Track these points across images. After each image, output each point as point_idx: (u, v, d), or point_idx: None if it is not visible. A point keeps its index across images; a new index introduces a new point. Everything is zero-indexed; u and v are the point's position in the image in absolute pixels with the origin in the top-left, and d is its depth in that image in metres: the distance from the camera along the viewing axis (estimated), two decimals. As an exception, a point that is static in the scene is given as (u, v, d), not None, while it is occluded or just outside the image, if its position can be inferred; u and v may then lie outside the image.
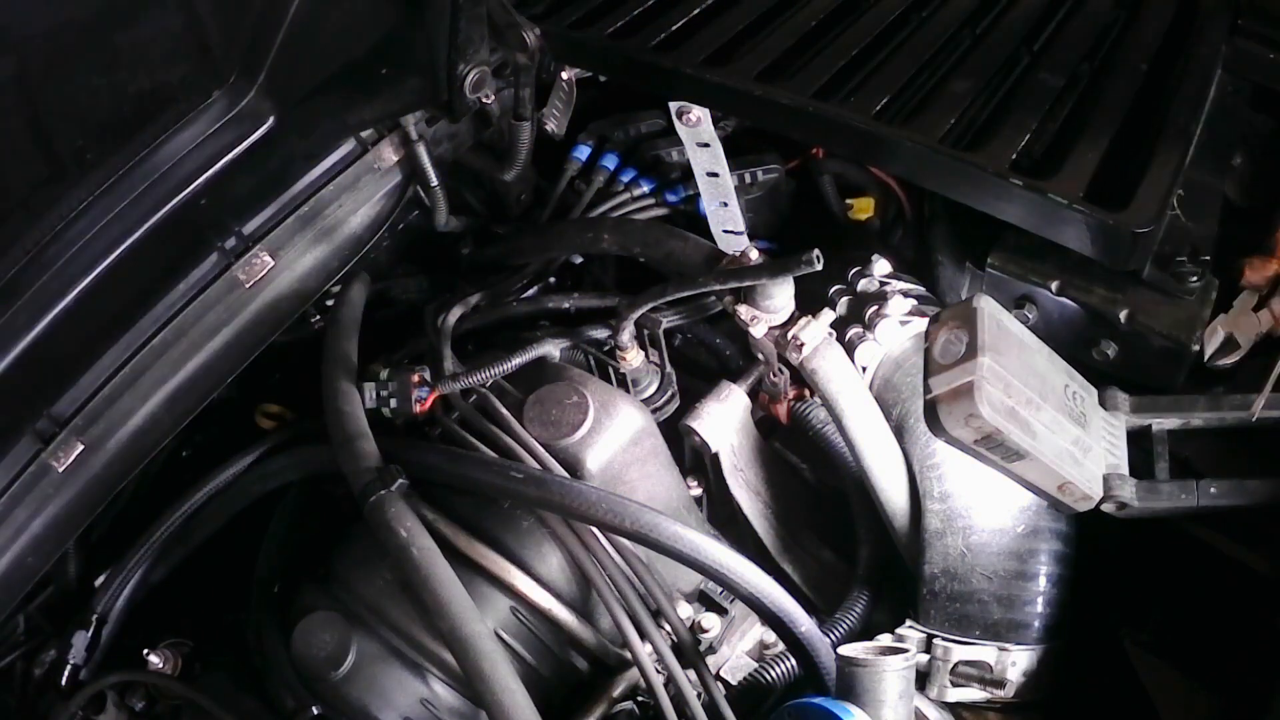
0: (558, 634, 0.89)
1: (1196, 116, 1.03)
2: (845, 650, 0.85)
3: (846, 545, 1.03)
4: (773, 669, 0.95)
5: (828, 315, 0.91)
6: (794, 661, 0.95)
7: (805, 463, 1.07)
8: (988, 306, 0.83)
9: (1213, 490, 0.88)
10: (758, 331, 0.91)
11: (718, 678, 0.91)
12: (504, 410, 0.94)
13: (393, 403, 0.94)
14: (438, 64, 0.98)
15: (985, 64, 1.06)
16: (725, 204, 1.09)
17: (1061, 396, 0.87)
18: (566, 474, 0.89)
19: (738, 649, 0.94)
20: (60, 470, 0.90)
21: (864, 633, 0.95)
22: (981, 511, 0.93)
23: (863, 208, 1.20)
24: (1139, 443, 0.93)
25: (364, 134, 1.06)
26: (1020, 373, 0.82)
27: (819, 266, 0.82)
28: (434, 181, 1.07)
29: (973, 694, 0.96)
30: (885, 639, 0.89)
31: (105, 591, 0.99)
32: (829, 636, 0.91)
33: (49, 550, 0.90)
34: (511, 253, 1.14)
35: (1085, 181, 0.91)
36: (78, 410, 0.91)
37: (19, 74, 0.73)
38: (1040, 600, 0.94)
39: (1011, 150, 0.94)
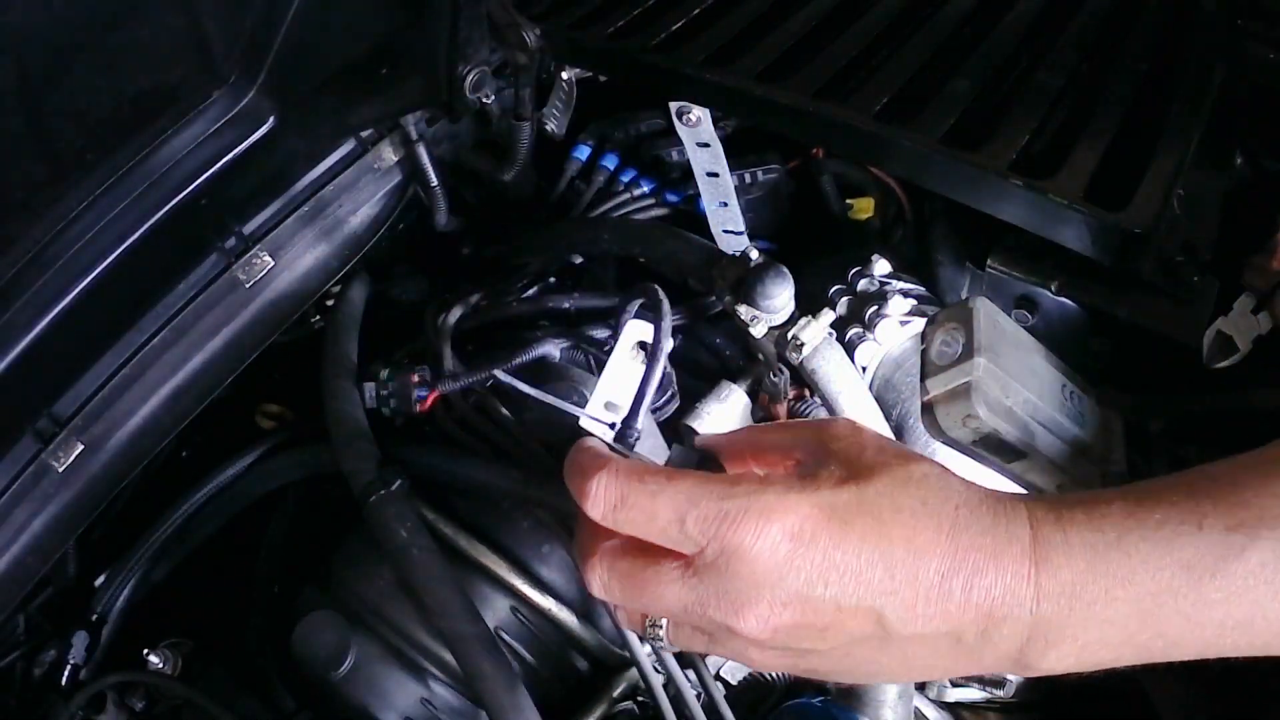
0: (558, 634, 0.89)
1: (1196, 116, 1.03)
2: (845, 650, 0.85)
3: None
4: (772, 669, 0.95)
5: (828, 315, 0.91)
6: (794, 661, 0.95)
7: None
8: (984, 307, 0.83)
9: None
10: (758, 331, 0.91)
11: (717, 678, 0.91)
12: (504, 410, 0.94)
13: (393, 403, 0.94)
14: (438, 64, 0.98)
15: (985, 64, 1.06)
16: (725, 204, 1.09)
17: (1059, 396, 0.87)
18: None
19: (738, 649, 0.94)
20: (60, 470, 0.90)
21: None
22: (981, 511, 0.93)
23: (863, 208, 1.20)
24: (1137, 442, 0.93)
25: (364, 134, 1.07)
26: (1017, 373, 0.82)
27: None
28: (434, 181, 1.08)
29: (972, 694, 0.96)
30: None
31: (105, 591, 0.99)
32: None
33: (49, 550, 0.90)
34: (511, 253, 1.14)
35: (1085, 181, 0.91)
36: (78, 410, 0.91)
37: (19, 74, 0.73)
38: (1040, 600, 0.93)
39: (1011, 150, 0.94)
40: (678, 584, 0.61)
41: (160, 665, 0.95)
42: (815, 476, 0.60)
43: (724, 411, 0.94)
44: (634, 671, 0.89)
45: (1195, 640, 0.59)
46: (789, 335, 0.89)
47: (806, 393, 0.96)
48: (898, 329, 0.97)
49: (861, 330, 0.96)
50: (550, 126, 1.12)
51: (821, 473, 0.61)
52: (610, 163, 1.20)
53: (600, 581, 0.65)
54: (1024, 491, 0.86)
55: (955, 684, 0.96)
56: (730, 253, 0.97)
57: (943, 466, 0.63)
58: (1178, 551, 0.57)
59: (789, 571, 0.58)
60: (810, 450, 0.64)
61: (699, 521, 0.59)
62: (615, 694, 0.90)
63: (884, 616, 0.58)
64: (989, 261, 0.99)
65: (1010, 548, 0.58)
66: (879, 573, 0.58)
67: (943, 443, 0.84)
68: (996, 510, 0.60)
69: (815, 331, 0.89)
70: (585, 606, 0.90)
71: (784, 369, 0.92)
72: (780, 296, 0.90)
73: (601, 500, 0.62)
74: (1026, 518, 0.60)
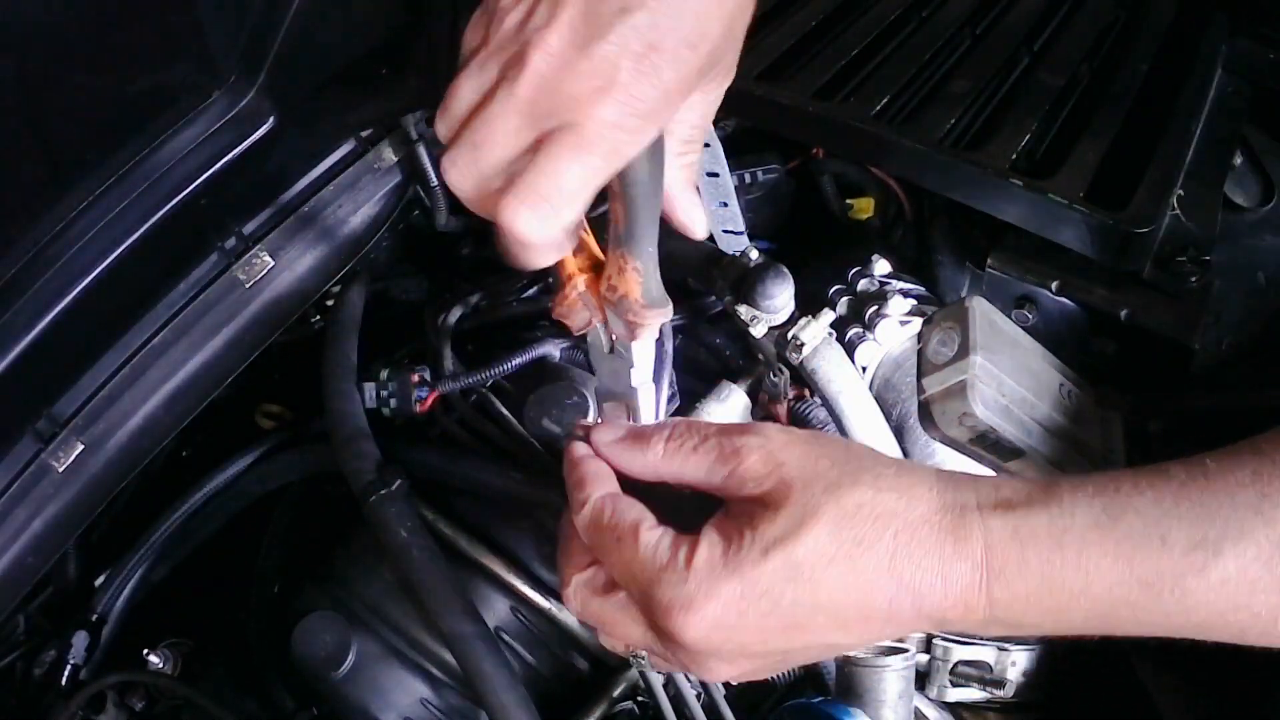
0: (558, 634, 0.90)
1: (1196, 116, 1.03)
2: (845, 650, 0.85)
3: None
4: (772, 669, 0.95)
5: (828, 315, 0.91)
6: (794, 661, 0.95)
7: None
8: (979, 306, 0.83)
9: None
10: (758, 331, 0.91)
11: (717, 677, 0.91)
12: (504, 410, 0.94)
13: (393, 403, 0.94)
14: (438, 64, 0.98)
15: (985, 64, 1.06)
16: (725, 204, 1.09)
17: (1057, 395, 0.87)
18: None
19: (737, 649, 0.94)
20: (60, 470, 0.90)
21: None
22: (981, 511, 0.93)
23: (863, 208, 1.20)
24: (1138, 442, 0.93)
25: (364, 134, 1.07)
26: (1014, 371, 0.83)
27: None
28: (434, 181, 1.07)
29: (973, 694, 0.96)
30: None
31: (105, 591, 0.99)
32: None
33: (49, 550, 0.90)
34: (511, 253, 1.14)
35: (1085, 181, 0.91)
36: (78, 410, 0.92)
37: (19, 74, 0.73)
38: (1040, 600, 0.93)
39: (1011, 150, 0.94)
40: (641, 631, 0.64)
41: (160, 665, 0.95)
42: (740, 547, 0.59)
43: (724, 411, 0.94)
44: (634, 671, 0.89)
45: (1150, 636, 0.60)
46: (789, 335, 0.89)
47: (806, 393, 0.96)
48: (898, 329, 0.96)
49: (861, 330, 0.96)
50: (550, 126, 1.12)
51: (745, 541, 0.59)
52: (610, 163, 1.19)
53: (577, 610, 0.69)
54: (988, 474, 0.84)
55: (955, 684, 0.96)
56: (730, 253, 0.97)
57: (876, 483, 0.60)
58: (1138, 568, 0.57)
59: (726, 645, 0.60)
60: (732, 503, 0.63)
61: (639, 600, 0.63)
62: (615, 694, 0.90)
63: (837, 645, 0.63)
64: (989, 261, 0.99)
65: (958, 565, 0.58)
66: (822, 619, 0.59)
67: (940, 441, 0.84)
68: (941, 526, 0.59)
69: (815, 331, 0.89)
70: (585, 606, 0.91)
71: (784, 369, 0.92)
72: (780, 296, 0.90)
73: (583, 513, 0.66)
74: (980, 531, 0.58)
